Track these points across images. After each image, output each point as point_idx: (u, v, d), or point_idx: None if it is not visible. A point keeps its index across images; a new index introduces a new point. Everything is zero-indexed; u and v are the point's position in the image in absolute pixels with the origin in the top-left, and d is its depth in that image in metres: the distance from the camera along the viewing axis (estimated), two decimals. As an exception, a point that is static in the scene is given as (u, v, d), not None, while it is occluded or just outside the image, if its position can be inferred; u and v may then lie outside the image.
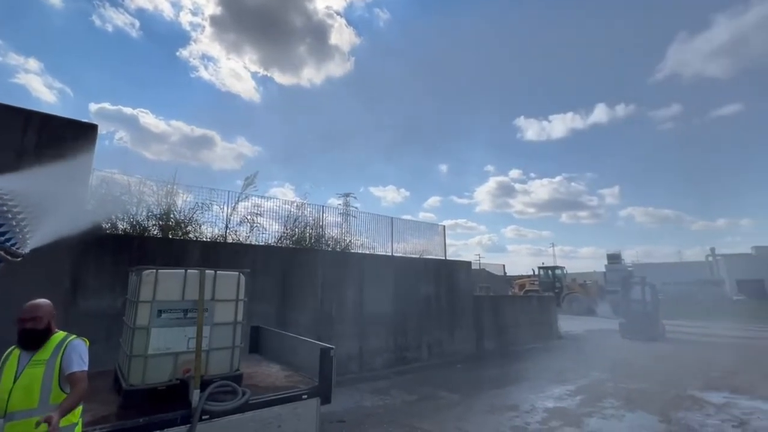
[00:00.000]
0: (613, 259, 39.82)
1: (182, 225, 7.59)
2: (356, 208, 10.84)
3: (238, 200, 8.22)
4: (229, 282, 3.36)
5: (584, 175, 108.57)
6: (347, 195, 11.16)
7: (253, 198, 8.54)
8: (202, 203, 7.71)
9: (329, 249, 9.43)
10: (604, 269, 40.58)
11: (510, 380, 7.97)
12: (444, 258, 11.23)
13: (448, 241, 11.85)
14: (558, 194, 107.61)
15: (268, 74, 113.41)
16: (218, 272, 3.30)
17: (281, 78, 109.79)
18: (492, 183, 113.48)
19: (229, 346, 3.25)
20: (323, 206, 9.62)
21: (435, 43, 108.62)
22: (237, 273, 3.43)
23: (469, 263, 11.56)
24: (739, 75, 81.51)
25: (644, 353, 11.28)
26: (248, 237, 8.40)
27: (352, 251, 9.74)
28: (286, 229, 9.06)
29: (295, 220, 9.18)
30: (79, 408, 2.18)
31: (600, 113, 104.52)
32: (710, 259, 51.80)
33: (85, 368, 2.17)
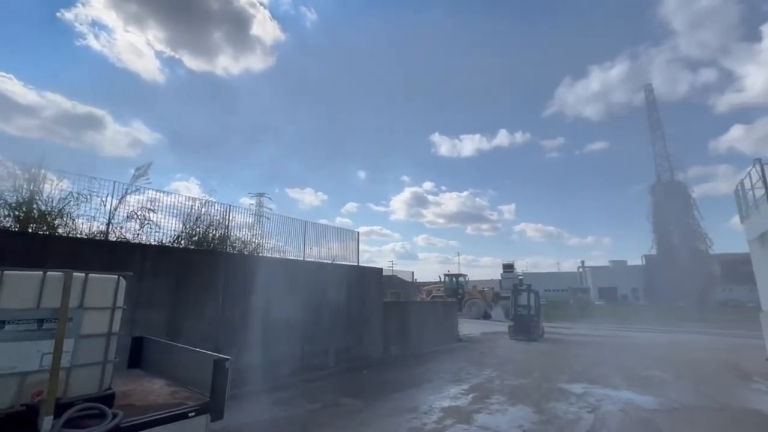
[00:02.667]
0: (508, 268, 44.63)
1: (49, 217, 6.36)
2: (270, 209, 10.38)
3: (126, 192, 7.18)
4: (104, 287, 2.89)
5: (487, 191, 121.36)
6: (261, 195, 10.63)
7: (149, 191, 7.57)
8: (79, 193, 6.57)
9: (235, 251, 8.80)
10: (500, 277, 45.20)
11: (412, 383, 8.32)
12: (356, 264, 11.33)
13: (363, 247, 12.09)
14: (465, 207, 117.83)
15: (177, 56, 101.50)
16: (90, 275, 2.82)
17: (192, 62, 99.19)
18: (407, 193, 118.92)
19: (99, 361, 2.79)
20: (230, 205, 8.97)
21: (361, 50, 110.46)
22: (116, 276, 2.98)
23: (380, 270, 11.84)
24: (605, 119, 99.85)
25: (527, 352, 12.82)
26: (138, 235, 7.41)
27: (261, 254, 9.25)
28: (186, 228, 8.21)
29: (197, 218, 8.37)
30: None
31: (502, 138, 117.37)
32: (580, 270, 61.52)
33: None
